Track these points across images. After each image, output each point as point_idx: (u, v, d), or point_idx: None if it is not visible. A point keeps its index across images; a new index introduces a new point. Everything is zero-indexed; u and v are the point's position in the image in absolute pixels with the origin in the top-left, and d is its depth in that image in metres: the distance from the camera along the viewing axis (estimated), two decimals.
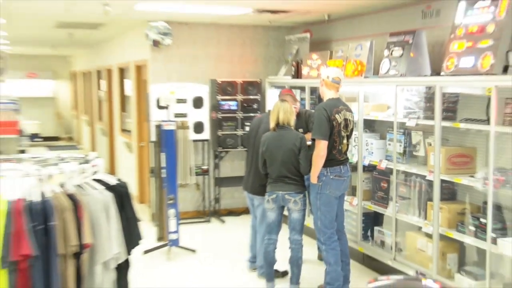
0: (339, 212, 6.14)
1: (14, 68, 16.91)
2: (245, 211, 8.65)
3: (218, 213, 9.69)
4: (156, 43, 9.24)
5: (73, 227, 4.78)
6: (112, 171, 13.54)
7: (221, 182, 9.71)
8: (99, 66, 15.36)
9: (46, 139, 20.34)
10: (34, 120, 18.92)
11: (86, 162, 5.53)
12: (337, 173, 5.90)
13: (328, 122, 5.73)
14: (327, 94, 6.01)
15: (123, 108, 12.75)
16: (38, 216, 4.66)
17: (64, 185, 5.03)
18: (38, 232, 4.65)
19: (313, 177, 5.84)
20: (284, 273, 6.61)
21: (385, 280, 2.67)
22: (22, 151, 8.66)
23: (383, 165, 6.62)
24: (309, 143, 6.05)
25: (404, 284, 2.77)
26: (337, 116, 5.79)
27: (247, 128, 8.06)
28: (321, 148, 5.73)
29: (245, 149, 7.63)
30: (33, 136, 17.45)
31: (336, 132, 5.79)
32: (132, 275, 5.51)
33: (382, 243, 6.83)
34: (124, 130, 12.42)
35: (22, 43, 15.56)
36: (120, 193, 5.32)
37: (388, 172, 6.62)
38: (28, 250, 4.55)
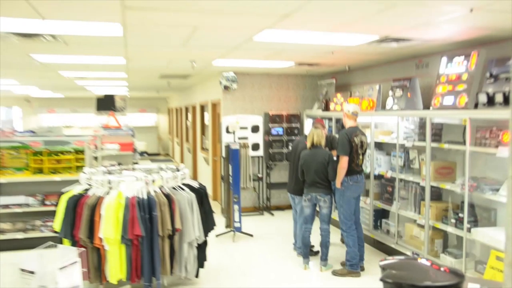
0: (356, 208, 6.10)
1: (131, 106, 17.37)
2: (288, 207, 8.59)
3: (269, 208, 9.67)
4: (226, 88, 9.36)
5: (168, 217, 4.93)
6: (195, 177, 13.66)
7: (271, 186, 9.71)
8: (187, 103, 15.56)
9: (151, 155, 20.72)
10: (143, 142, 19.34)
11: (177, 171, 5.67)
12: (355, 180, 5.90)
13: (348, 143, 5.78)
14: (348, 123, 6.04)
15: (203, 132, 12.87)
16: (145, 208, 4.84)
17: (162, 187, 5.19)
18: (145, 219, 4.81)
19: (338, 183, 5.86)
20: (316, 252, 6.57)
21: (392, 259, 2.70)
22: (135, 163, 8.88)
23: (389, 174, 6.57)
24: (334, 158, 6.04)
25: (405, 262, 2.77)
26: (355, 139, 5.82)
27: (290, 147, 8.06)
28: (344, 162, 5.77)
29: (288, 162, 7.64)
30: (142, 153, 17.76)
31: (354, 151, 5.82)
32: (208, 252, 5.64)
33: (388, 231, 6.75)
34: (203, 149, 12.53)
35: (137, 89, 15.89)
36: (200, 193, 5.47)
37: (392, 179, 6.54)
38: (139, 231, 4.72)
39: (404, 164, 6.35)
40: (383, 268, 2.54)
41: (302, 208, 6.32)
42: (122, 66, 8.49)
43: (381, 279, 2.44)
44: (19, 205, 6.90)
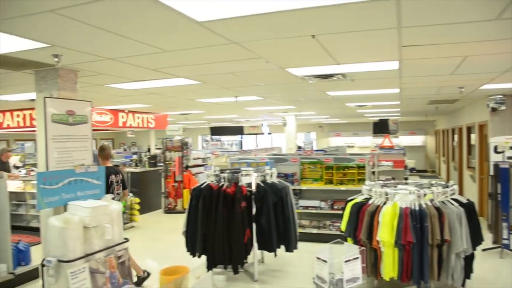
0: None
1: (402, 129, 17.04)
2: None
3: None
4: (494, 109, 8.27)
5: (437, 228, 4.65)
6: (460, 193, 12.25)
7: None
8: (453, 126, 14.36)
9: (419, 171, 19.80)
10: (412, 159, 18.66)
11: (446, 187, 5.30)
12: None
13: None
14: None
15: (469, 152, 11.64)
16: (417, 218, 4.67)
17: (432, 200, 4.90)
18: (417, 228, 4.64)
19: None
20: None
21: None
22: (406, 178, 8.64)
23: None
24: None
25: None
26: None
27: None
28: None
29: None
30: (412, 169, 17.20)
31: None
32: (475, 264, 5.02)
33: None
34: (469, 167, 11.32)
35: (407, 114, 15.60)
36: (468, 208, 4.98)
37: None
38: (411, 238, 4.58)
39: None
40: None
41: None
42: (395, 95, 8.42)
43: None
44: (314, 207, 7.47)
